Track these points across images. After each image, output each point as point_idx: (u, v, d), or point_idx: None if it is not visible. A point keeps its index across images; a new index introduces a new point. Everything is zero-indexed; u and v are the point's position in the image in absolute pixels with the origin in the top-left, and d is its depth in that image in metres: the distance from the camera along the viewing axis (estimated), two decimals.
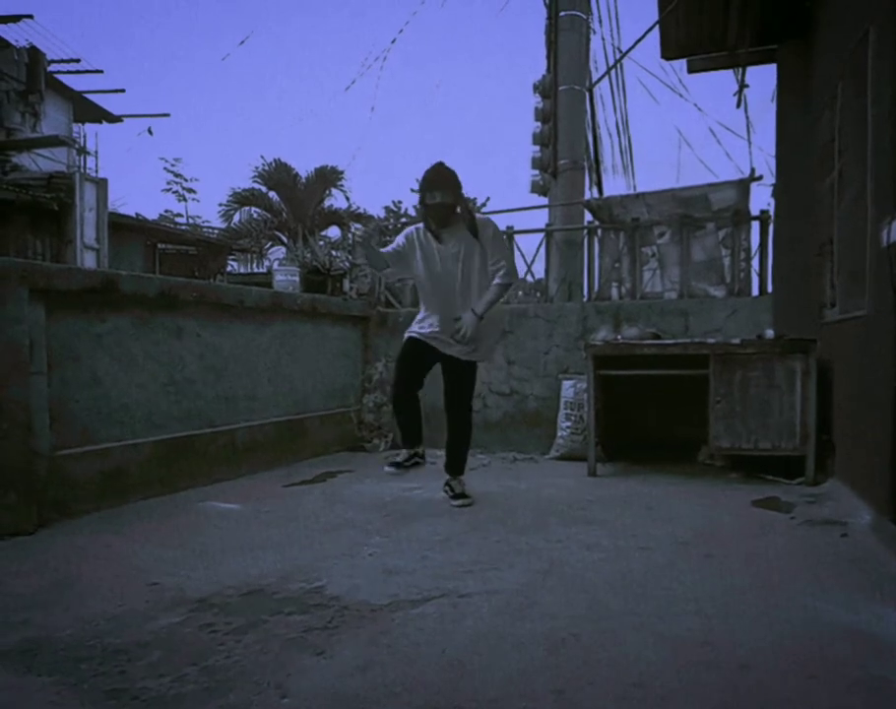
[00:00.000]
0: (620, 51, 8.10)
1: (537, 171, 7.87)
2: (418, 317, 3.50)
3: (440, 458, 4.95)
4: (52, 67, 13.21)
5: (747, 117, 11.08)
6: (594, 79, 8.00)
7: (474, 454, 4.95)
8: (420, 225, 3.46)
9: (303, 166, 23.29)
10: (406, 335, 3.48)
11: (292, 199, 19.54)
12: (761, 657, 1.72)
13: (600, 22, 8.12)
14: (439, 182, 3.27)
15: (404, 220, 18.52)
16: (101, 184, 11.19)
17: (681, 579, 2.30)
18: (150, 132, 16.76)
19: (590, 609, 2.04)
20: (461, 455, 3.55)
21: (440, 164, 3.32)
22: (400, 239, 3.49)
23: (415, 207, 20.37)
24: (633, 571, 2.39)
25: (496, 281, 3.32)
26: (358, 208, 20.47)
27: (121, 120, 15.78)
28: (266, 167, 19.76)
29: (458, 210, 3.33)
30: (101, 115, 15.31)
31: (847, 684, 1.59)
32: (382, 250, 3.50)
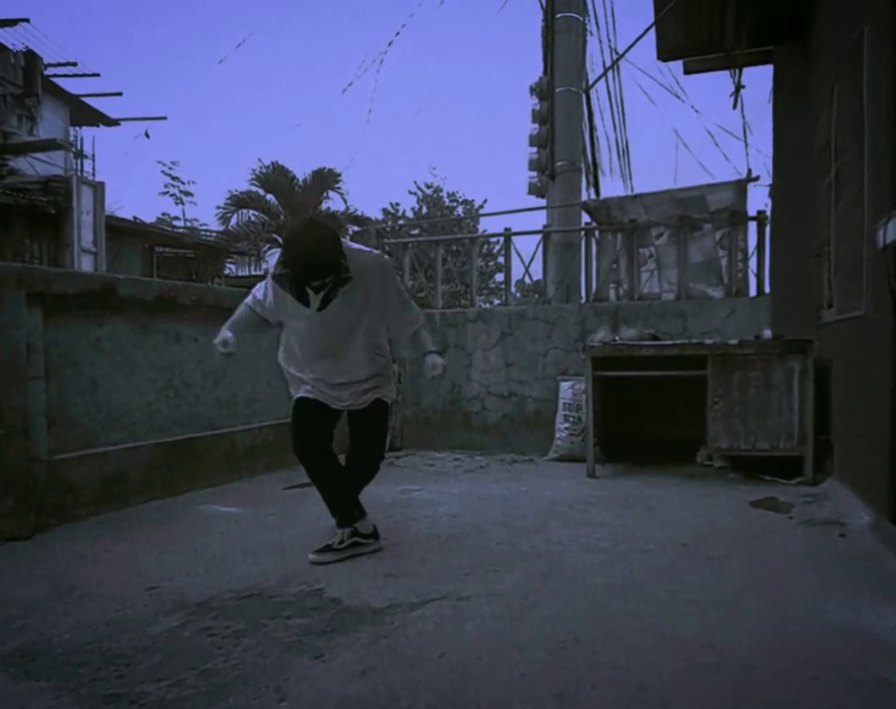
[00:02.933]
0: (617, 53, 8.12)
1: (534, 173, 7.89)
2: (295, 373, 2.77)
3: (438, 460, 4.97)
4: (49, 71, 13.21)
5: (744, 119, 11.12)
6: (590, 80, 8.02)
7: (472, 456, 4.96)
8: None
9: (301, 169, 23.32)
10: (294, 396, 2.79)
11: (290, 202, 19.54)
12: (763, 658, 1.72)
13: (596, 24, 8.14)
14: (322, 263, 2.38)
15: (401, 222, 18.54)
16: (99, 188, 11.18)
17: (682, 580, 2.30)
18: (147, 135, 16.76)
19: (591, 611, 2.04)
20: (354, 491, 2.75)
21: (316, 239, 2.41)
22: (261, 293, 2.75)
23: (413, 210, 20.44)
24: (634, 573, 2.39)
25: (413, 331, 2.76)
26: (356, 210, 20.49)
27: (118, 124, 15.77)
28: (263, 170, 19.76)
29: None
30: (98, 119, 15.31)
31: (849, 685, 1.59)
32: (240, 317, 2.85)
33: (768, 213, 5.04)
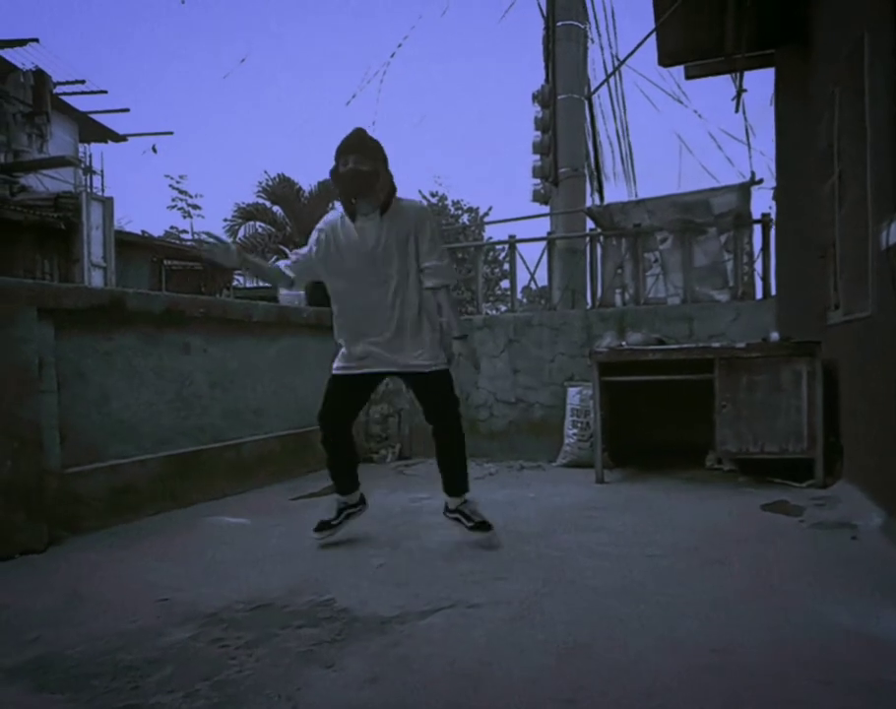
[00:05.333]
0: (618, 59, 8.16)
1: (538, 180, 7.92)
2: (347, 346, 2.83)
3: None
4: (58, 89, 13.40)
5: (746, 122, 11.11)
6: (592, 87, 8.06)
7: (480, 463, 4.96)
8: (335, 218, 2.80)
9: (306, 178, 23.45)
10: (333, 370, 2.88)
11: (296, 213, 19.66)
12: (771, 662, 1.71)
13: (597, 30, 8.18)
14: (355, 146, 2.60)
15: None
16: (108, 203, 11.31)
17: (691, 585, 2.29)
18: (154, 150, 16.89)
19: (599, 617, 2.04)
20: (460, 469, 2.90)
21: (359, 129, 2.68)
22: (310, 245, 2.82)
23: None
24: (642, 578, 2.39)
25: (433, 284, 2.72)
26: None
27: (126, 139, 15.97)
28: (270, 182, 19.92)
29: (378, 186, 2.63)
30: (106, 135, 15.50)
31: (859, 690, 1.58)
32: (283, 263, 2.90)
33: (772, 215, 5.04)
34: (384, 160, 2.68)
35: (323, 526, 2.93)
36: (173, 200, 20.90)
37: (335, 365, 2.89)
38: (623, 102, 9.19)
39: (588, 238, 5.96)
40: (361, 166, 2.58)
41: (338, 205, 2.86)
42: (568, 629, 1.95)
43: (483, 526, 2.84)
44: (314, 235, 2.82)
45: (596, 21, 8.44)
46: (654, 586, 2.29)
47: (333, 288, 2.81)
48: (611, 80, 8.23)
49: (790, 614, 2.01)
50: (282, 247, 19.77)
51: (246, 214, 20.05)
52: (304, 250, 2.86)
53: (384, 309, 2.71)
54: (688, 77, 5.74)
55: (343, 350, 2.87)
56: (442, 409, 2.84)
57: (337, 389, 2.87)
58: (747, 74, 5.30)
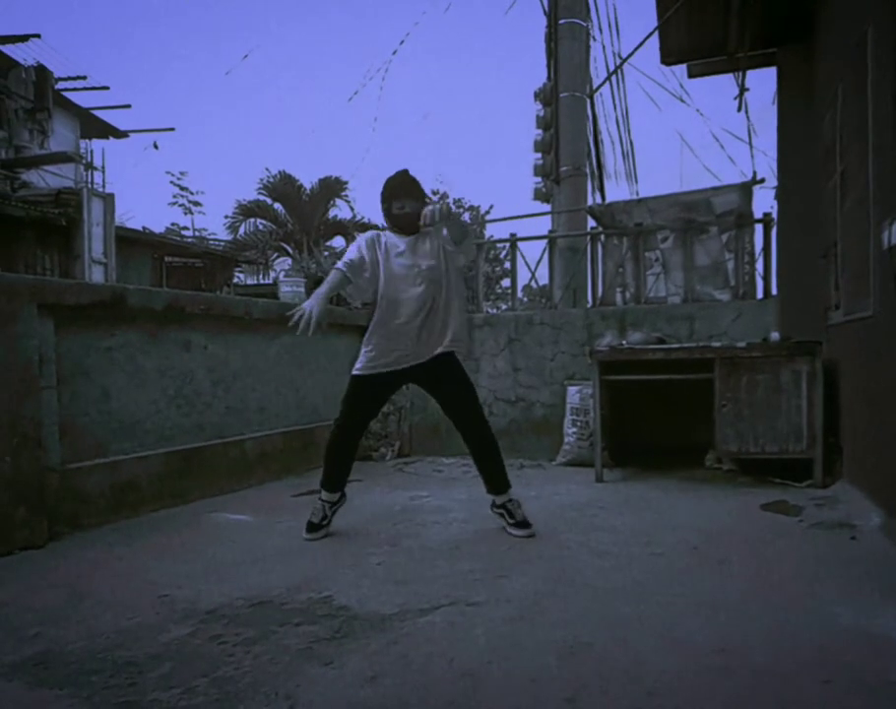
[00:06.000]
0: (621, 57, 8.14)
1: (539, 178, 7.91)
2: (372, 347, 2.98)
3: (447, 466, 4.97)
4: (59, 84, 13.40)
5: (749, 121, 11.09)
6: (594, 85, 8.04)
7: None
8: (378, 233, 3.11)
9: (307, 175, 23.47)
10: (355, 371, 3.03)
11: (297, 210, 19.68)
12: (773, 661, 1.71)
13: (599, 28, 8.17)
14: (408, 190, 3.01)
15: None
16: (109, 199, 11.31)
17: (693, 585, 2.29)
18: (155, 146, 16.92)
19: (601, 616, 2.04)
20: (501, 468, 3.11)
21: (406, 172, 3.06)
22: (360, 250, 2.99)
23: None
24: (642, 577, 2.39)
25: (464, 261, 3.13)
26: (363, 218, 20.60)
27: (127, 135, 15.97)
28: (271, 179, 19.93)
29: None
30: (108, 131, 15.50)
31: (862, 690, 1.58)
32: (343, 270, 2.97)
33: (774, 215, 5.03)
34: (424, 195, 3.10)
35: (312, 528, 3.03)
36: (174, 196, 20.94)
37: (360, 366, 3.02)
38: (625, 101, 9.18)
39: (589, 237, 5.96)
40: (414, 210, 2.94)
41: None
42: (569, 628, 1.95)
43: (524, 524, 3.03)
44: (360, 243, 3.04)
45: (598, 19, 8.44)
46: (654, 585, 2.29)
47: (378, 289, 3.01)
48: (614, 78, 8.22)
49: (790, 614, 2.01)
50: (282, 244, 19.78)
51: (247, 211, 20.05)
52: (350, 254, 3.02)
53: (422, 312, 2.96)
54: (691, 75, 5.73)
55: (369, 351, 3.00)
56: (472, 405, 3.06)
57: (363, 389, 3.02)
58: (749, 73, 5.30)
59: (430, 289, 2.96)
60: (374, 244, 3.01)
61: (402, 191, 3.00)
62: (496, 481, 3.10)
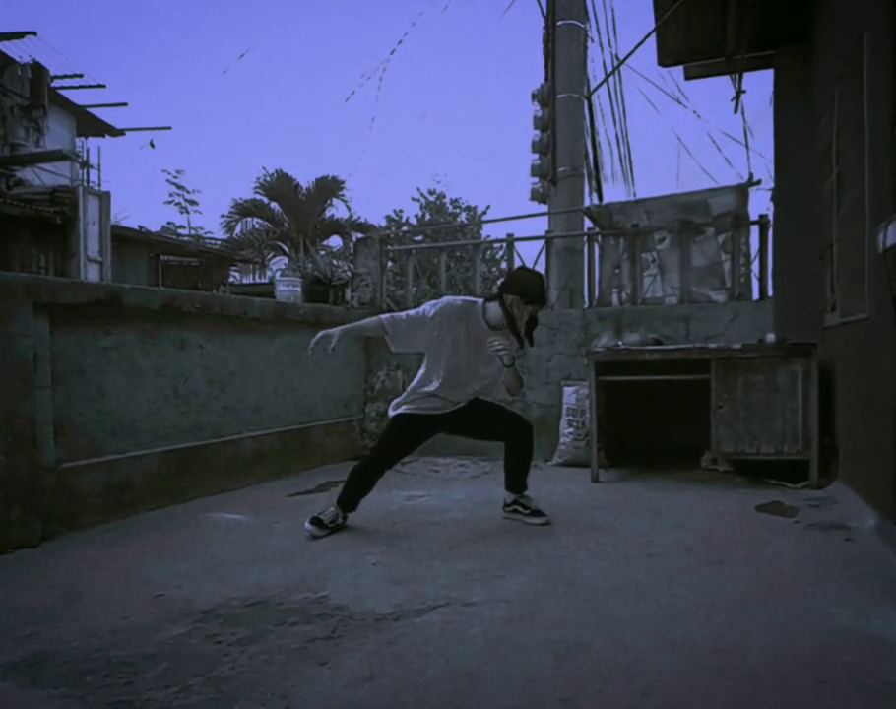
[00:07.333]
0: (618, 59, 8.15)
1: (536, 179, 7.91)
2: (420, 390, 3.11)
3: (444, 466, 4.97)
4: (55, 82, 13.34)
5: (745, 123, 11.13)
6: (592, 86, 8.05)
7: (477, 461, 4.96)
8: (462, 308, 3.09)
9: (304, 175, 23.45)
10: (402, 411, 3.13)
11: (294, 209, 19.64)
12: (769, 662, 1.72)
13: (597, 30, 8.17)
14: (543, 300, 3.13)
15: (405, 228, 18.59)
16: (104, 197, 11.26)
17: (689, 585, 2.30)
18: (151, 145, 16.84)
19: (598, 616, 2.04)
20: (527, 471, 3.30)
21: (544, 280, 3.29)
22: (427, 318, 3.06)
23: (416, 216, 20.47)
24: (638, 577, 2.39)
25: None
26: (360, 217, 20.58)
27: (123, 134, 15.90)
28: (267, 178, 19.88)
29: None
30: (104, 129, 15.44)
31: (858, 690, 1.58)
32: (384, 317, 3.15)
33: (770, 216, 5.04)
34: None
35: (317, 522, 3.05)
36: (171, 195, 20.88)
37: (408, 407, 3.12)
38: (623, 102, 9.19)
39: (586, 238, 5.96)
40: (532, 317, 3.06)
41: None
42: (566, 628, 1.95)
43: (539, 513, 3.19)
44: (436, 315, 3.05)
45: (596, 20, 8.45)
46: (652, 585, 2.30)
47: (436, 357, 3.10)
48: (611, 79, 8.23)
49: (788, 615, 2.01)
50: (279, 244, 19.75)
51: (244, 210, 20.01)
52: (411, 313, 3.12)
53: (478, 386, 3.16)
54: (688, 77, 5.73)
55: (422, 390, 3.11)
56: (512, 415, 3.26)
57: (410, 428, 3.13)
58: (746, 75, 5.30)
59: (493, 373, 3.12)
60: (460, 317, 3.05)
61: (540, 299, 3.07)
62: (521, 477, 3.26)
